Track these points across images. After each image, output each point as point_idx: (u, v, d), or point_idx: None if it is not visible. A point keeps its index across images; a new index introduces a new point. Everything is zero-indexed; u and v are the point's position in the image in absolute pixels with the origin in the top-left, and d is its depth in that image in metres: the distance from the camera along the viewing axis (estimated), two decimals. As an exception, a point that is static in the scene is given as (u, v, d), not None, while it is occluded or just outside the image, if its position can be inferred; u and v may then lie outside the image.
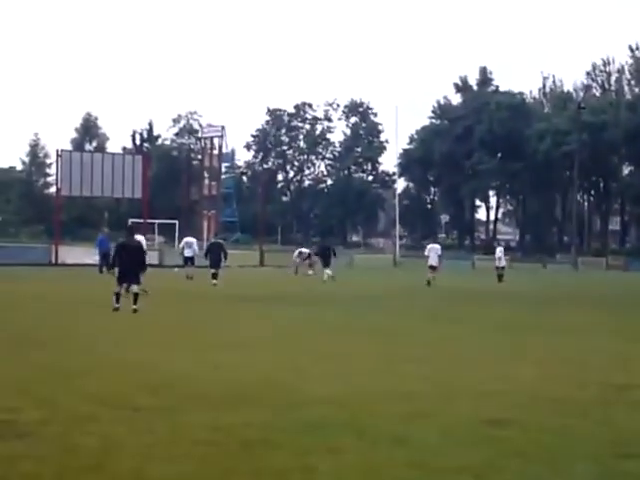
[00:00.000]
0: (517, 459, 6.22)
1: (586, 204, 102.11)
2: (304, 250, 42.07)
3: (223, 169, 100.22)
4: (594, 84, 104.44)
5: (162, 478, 5.56)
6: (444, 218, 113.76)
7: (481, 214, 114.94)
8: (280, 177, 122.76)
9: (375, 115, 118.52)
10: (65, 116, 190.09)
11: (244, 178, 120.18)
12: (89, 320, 15.99)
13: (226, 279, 29.29)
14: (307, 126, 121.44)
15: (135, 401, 7.98)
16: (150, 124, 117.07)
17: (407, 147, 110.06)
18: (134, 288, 17.76)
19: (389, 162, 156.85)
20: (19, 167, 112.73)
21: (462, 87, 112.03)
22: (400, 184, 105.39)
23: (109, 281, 19.01)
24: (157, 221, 66.42)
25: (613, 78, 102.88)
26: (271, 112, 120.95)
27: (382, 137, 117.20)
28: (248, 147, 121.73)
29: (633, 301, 29.25)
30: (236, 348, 12.24)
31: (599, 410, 8.20)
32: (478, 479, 5.71)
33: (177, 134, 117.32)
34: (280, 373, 9.98)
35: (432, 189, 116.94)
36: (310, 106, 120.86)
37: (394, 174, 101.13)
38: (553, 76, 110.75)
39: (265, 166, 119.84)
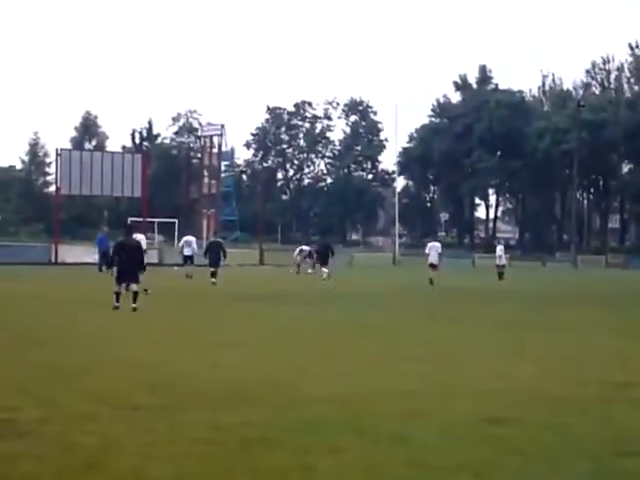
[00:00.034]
0: (516, 457, 6.22)
1: (585, 202, 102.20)
2: (305, 248, 41.99)
3: (223, 168, 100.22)
4: (594, 82, 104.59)
5: (161, 477, 5.56)
6: (444, 216, 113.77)
7: (481, 212, 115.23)
8: (280, 175, 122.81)
9: (375, 113, 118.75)
10: (65, 115, 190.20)
11: (244, 177, 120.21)
12: (88, 319, 15.98)
13: (225, 278, 29.29)
14: (307, 124, 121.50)
15: (134, 400, 7.97)
16: (150, 123, 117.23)
17: (407, 145, 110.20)
18: (133, 287, 17.76)
19: (389, 160, 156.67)
20: (19, 166, 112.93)
21: (462, 85, 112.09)
22: (400, 182, 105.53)
23: (109, 280, 19.01)
24: (157, 220, 66.43)
25: (613, 76, 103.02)
26: (271, 110, 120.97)
27: (382, 135, 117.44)
28: (248, 145, 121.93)
29: (632, 299, 29.26)
30: (235, 347, 12.24)
31: (599, 408, 8.21)
32: (477, 477, 5.70)
33: (177, 133, 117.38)
34: (280, 372, 9.98)
35: (432, 187, 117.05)
36: (310, 104, 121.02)
37: (394, 172, 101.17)
38: (553, 74, 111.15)
39: (265, 165, 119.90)
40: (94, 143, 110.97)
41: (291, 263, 41.97)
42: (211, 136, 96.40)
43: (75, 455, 6.00)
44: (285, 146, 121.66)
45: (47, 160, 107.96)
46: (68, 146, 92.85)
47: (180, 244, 34.93)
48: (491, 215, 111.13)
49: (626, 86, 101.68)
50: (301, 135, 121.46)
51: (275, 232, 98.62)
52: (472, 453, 6.29)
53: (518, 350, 12.89)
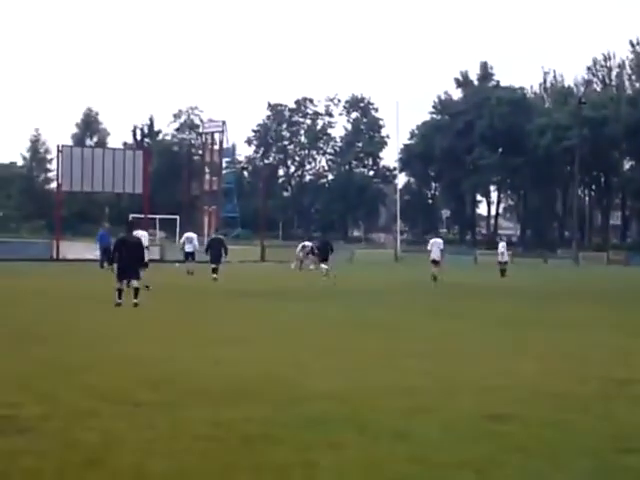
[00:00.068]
0: (518, 454, 6.22)
1: (587, 199, 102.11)
2: (307, 244, 41.90)
3: (224, 164, 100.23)
4: (595, 79, 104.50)
5: (163, 473, 5.55)
6: (445, 213, 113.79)
7: (482, 209, 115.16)
8: (281, 172, 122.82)
9: (376, 110, 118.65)
10: (66, 111, 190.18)
11: (245, 173, 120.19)
12: (90, 315, 15.98)
13: (227, 274, 29.29)
14: (308, 121, 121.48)
15: (136, 396, 7.97)
16: (151, 119, 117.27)
17: (408, 142, 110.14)
18: (134, 283, 17.77)
19: (390, 157, 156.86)
20: (20, 162, 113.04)
21: (463, 82, 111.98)
22: (401, 179, 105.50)
23: (110, 276, 18.99)
24: (158, 216, 66.39)
25: (614, 73, 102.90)
26: (272, 107, 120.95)
27: (383, 132, 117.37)
28: (249, 142, 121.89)
29: (634, 296, 29.25)
30: (237, 343, 12.23)
31: (600, 405, 8.20)
32: (479, 474, 5.70)
33: (178, 129, 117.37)
34: (281, 368, 9.98)
35: (433, 184, 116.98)
36: (311, 101, 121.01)
37: (395, 169, 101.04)
38: (554, 71, 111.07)
39: (266, 161, 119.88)
40: (95, 140, 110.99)
41: (292, 259, 41.94)
42: (212, 133, 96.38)
43: (76, 451, 6.00)
44: (286, 143, 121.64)
45: (48, 157, 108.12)
46: (69, 142, 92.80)
47: (181, 241, 34.93)
48: (492, 212, 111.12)
49: (627, 83, 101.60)
50: (302, 132, 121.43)
51: (276, 229, 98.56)
52: (474, 449, 6.29)
53: (520, 347, 12.88)
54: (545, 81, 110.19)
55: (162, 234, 70.31)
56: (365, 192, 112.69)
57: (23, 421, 6.88)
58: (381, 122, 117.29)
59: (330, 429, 6.82)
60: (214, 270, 28.93)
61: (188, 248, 32.83)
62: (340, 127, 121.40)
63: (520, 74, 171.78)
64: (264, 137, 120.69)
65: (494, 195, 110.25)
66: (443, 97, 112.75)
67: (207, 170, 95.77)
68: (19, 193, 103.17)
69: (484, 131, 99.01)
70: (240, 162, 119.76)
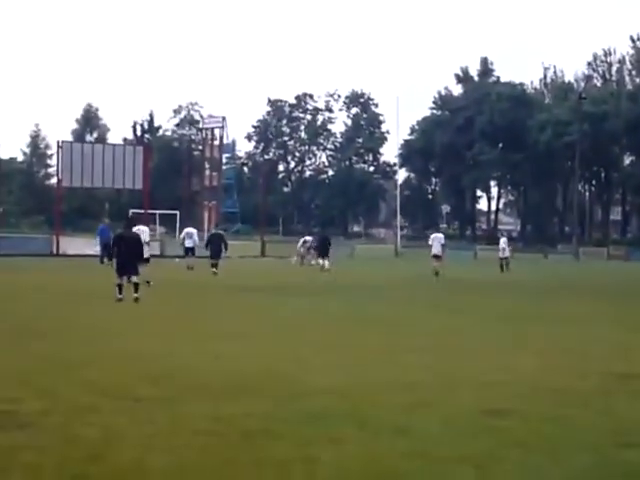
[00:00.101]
0: (518, 449, 6.22)
1: (587, 194, 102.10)
2: (308, 239, 41.82)
3: (224, 160, 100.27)
4: (595, 74, 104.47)
5: (163, 468, 5.55)
6: (445, 208, 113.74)
7: (482, 204, 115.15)
8: (281, 168, 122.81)
9: (376, 106, 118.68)
10: (66, 107, 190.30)
11: (245, 169, 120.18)
12: (90, 311, 15.97)
13: (227, 270, 29.29)
14: (308, 117, 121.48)
15: (136, 392, 7.97)
16: (151, 115, 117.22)
17: (408, 138, 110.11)
18: (134, 279, 17.78)
19: (390, 153, 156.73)
20: (20, 158, 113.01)
21: (463, 78, 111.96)
22: (401, 175, 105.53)
23: (110, 272, 19.00)
24: (158, 212, 66.37)
25: (614, 68, 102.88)
26: (272, 103, 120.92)
27: (383, 128, 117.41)
28: (249, 138, 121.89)
29: (634, 291, 29.26)
30: (237, 338, 12.23)
31: (600, 400, 8.20)
32: (479, 469, 5.70)
33: (178, 125, 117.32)
34: (281, 363, 9.98)
35: (433, 180, 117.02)
36: (311, 97, 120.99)
37: (395, 165, 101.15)
38: (554, 67, 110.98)
39: (266, 157, 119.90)
40: (95, 135, 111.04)
41: (292, 254, 41.90)
42: (212, 128, 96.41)
43: (76, 447, 6.01)
44: (286, 138, 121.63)
45: (48, 152, 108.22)
46: (69, 138, 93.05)
47: (181, 236, 34.91)
48: (493, 207, 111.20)
49: (627, 78, 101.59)
50: (302, 127, 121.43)
51: (276, 224, 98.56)
52: (474, 445, 6.29)
53: (520, 342, 12.88)
54: (545, 76, 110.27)
55: (162, 229, 70.25)
56: (365, 188, 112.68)
57: (23, 416, 6.88)
58: (381, 118, 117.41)
59: (330, 424, 6.82)
60: (214, 265, 28.94)
61: (188, 243, 32.83)
62: (340, 123, 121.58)
63: (520, 70, 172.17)
64: (264, 133, 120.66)
65: (494, 190, 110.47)
66: (443, 93, 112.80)
67: (207, 166, 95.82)
68: (19, 188, 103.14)
69: (484, 127, 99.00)
70: (240, 158, 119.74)
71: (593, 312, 18.80)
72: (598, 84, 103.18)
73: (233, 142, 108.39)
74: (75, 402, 7.45)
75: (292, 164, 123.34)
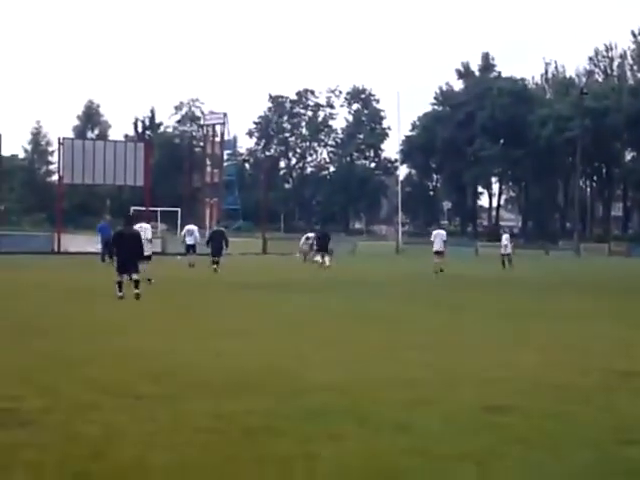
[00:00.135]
0: (519, 445, 6.22)
1: (588, 190, 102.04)
2: (311, 235, 41.78)
3: (225, 156, 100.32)
4: (596, 70, 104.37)
5: (164, 466, 5.56)
6: (446, 205, 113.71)
7: (483, 201, 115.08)
8: (282, 164, 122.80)
9: (377, 101, 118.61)
10: (67, 104, 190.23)
11: (246, 165, 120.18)
12: (91, 308, 15.97)
13: (228, 267, 29.28)
14: (309, 113, 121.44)
15: (137, 389, 7.98)
16: (152, 111, 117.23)
17: (409, 134, 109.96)
18: (134, 276, 17.77)
19: (391, 149, 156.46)
20: (21, 155, 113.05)
21: (464, 73, 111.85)
22: (402, 171, 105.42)
23: (111, 269, 19.00)
24: (159, 209, 66.44)
25: (615, 63, 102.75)
26: (273, 99, 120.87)
27: (384, 124, 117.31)
28: (250, 134, 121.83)
29: (635, 287, 29.26)
30: (238, 335, 12.24)
31: (601, 396, 8.20)
32: (480, 466, 5.70)
33: (179, 121, 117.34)
34: (282, 360, 9.98)
35: (434, 176, 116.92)
36: (312, 93, 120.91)
37: (396, 161, 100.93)
38: (555, 62, 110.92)
39: (267, 153, 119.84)
40: (96, 132, 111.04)
41: (294, 251, 41.85)
42: (213, 125, 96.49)
43: (78, 444, 6.01)
44: (287, 134, 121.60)
45: (49, 149, 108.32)
46: (70, 135, 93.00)
47: (182, 233, 34.92)
48: (494, 203, 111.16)
49: (629, 73, 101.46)
50: (303, 123, 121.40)
51: (278, 221, 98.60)
52: (475, 441, 6.29)
53: (521, 338, 12.88)
54: (547, 72, 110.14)
55: (163, 227, 70.30)
56: (366, 184, 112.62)
57: (24, 414, 6.89)
58: (382, 113, 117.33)
59: (331, 421, 6.83)
60: (215, 262, 28.96)
61: (189, 241, 32.82)
62: (341, 119, 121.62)
63: (521, 65, 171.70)
64: (265, 129, 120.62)
65: (495, 187, 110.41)
66: (444, 88, 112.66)
67: (208, 162, 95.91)
68: (20, 186, 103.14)
69: (485, 122, 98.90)
70: (241, 154, 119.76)
71: (594, 308, 18.79)
72: (599, 79, 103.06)
73: (234, 138, 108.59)
74: (76, 400, 7.46)
75: (293, 160, 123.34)
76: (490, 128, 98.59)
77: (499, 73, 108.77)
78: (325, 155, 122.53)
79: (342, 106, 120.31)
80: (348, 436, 6.36)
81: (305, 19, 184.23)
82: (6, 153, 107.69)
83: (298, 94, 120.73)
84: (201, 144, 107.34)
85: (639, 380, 9.26)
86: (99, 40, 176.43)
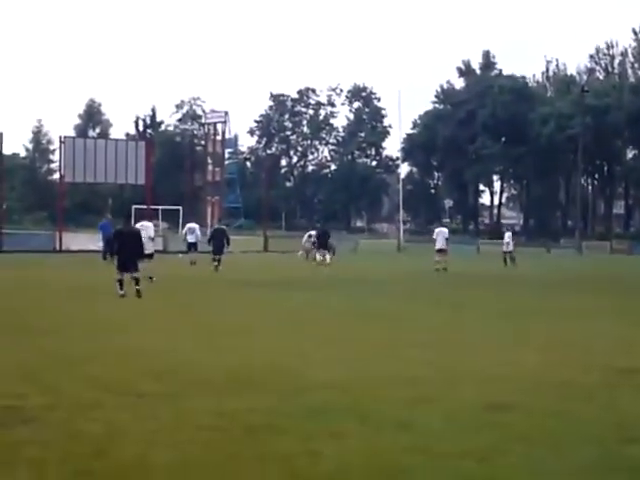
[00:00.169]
0: (521, 443, 6.22)
1: (590, 188, 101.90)
2: (313, 233, 41.76)
3: (226, 155, 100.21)
4: (597, 67, 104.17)
5: (166, 464, 5.57)
6: (448, 203, 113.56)
7: (485, 199, 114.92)
8: (284, 162, 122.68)
9: (378, 100, 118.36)
10: (68, 102, 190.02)
11: (248, 164, 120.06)
12: (93, 307, 15.99)
13: (230, 265, 29.29)
14: (310, 111, 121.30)
15: (139, 387, 7.99)
16: (153, 110, 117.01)
17: (410, 132, 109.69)
18: (135, 274, 17.79)
19: (392, 147, 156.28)
20: (22, 154, 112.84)
21: (465, 71, 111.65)
22: (404, 169, 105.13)
23: (112, 268, 19.02)
24: (161, 207, 66.35)
25: (617, 61, 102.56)
26: (274, 97, 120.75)
27: (385, 122, 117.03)
28: (251, 133, 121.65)
29: (637, 285, 29.22)
30: (240, 333, 12.25)
31: (603, 394, 8.20)
32: (482, 463, 5.71)
33: (180, 120, 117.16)
34: (284, 358, 9.99)
35: (436, 174, 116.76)
36: (313, 91, 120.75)
37: (397, 159, 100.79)
38: (556, 60, 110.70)
39: (269, 151, 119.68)
40: (98, 130, 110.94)
41: (295, 249, 41.85)
42: (215, 123, 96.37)
43: (80, 442, 6.02)
44: (289, 133, 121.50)
45: (51, 148, 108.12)
46: (72, 134, 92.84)
47: (184, 231, 34.95)
48: (495, 201, 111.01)
49: (630, 71, 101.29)
50: (305, 122, 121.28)
51: (279, 219, 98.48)
52: (476, 439, 6.29)
53: (522, 336, 12.88)
54: (548, 70, 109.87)
55: (165, 225, 70.22)
56: (368, 182, 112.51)
57: (27, 412, 6.90)
58: (383, 112, 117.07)
59: (333, 419, 6.84)
60: (216, 260, 28.98)
61: (191, 239, 32.86)
62: (342, 117, 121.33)
63: (522, 63, 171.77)
64: (266, 127, 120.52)
65: (497, 185, 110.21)
66: (445, 86, 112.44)
67: (210, 161, 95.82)
68: (22, 184, 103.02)
69: (486, 120, 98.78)
70: (243, 152, 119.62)
71: (596, 306, 18.79)
72: (600, 77, 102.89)
73: (235, 137, 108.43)
74: (78, 398, 7.47)
75: (294, 159, 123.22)
76: (491, 126, 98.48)
77: (500, 71, 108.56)
78: (326, 153, 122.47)
79: (343, 104, 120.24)
80: (350, 434, 6.37)
81: (306, 18, 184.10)
82: (7, 152, 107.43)
83: (299, 92, 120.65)
84: (202, 142, 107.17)
85: (641, 378, 9.26)
86: (100, 39, 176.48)
